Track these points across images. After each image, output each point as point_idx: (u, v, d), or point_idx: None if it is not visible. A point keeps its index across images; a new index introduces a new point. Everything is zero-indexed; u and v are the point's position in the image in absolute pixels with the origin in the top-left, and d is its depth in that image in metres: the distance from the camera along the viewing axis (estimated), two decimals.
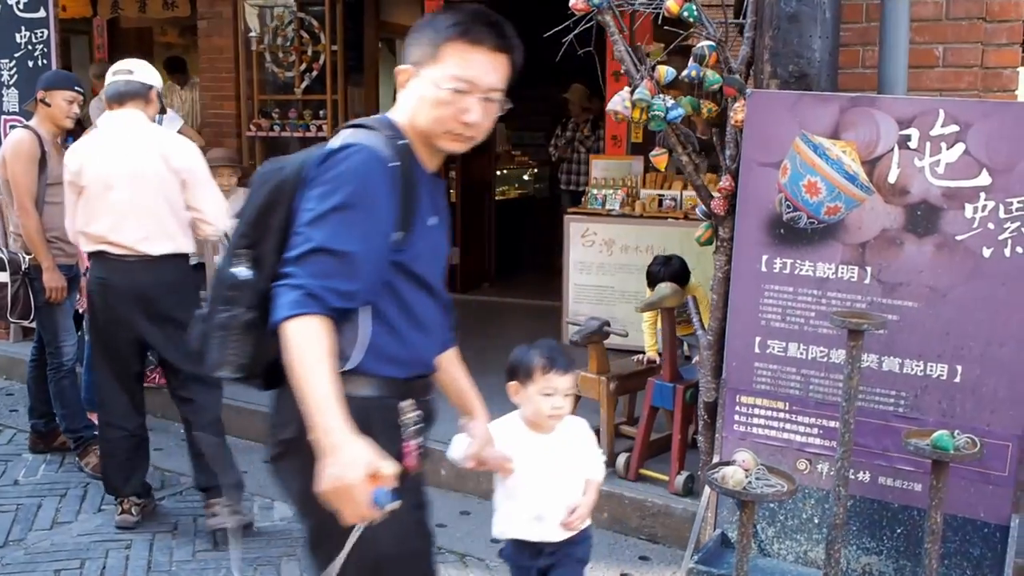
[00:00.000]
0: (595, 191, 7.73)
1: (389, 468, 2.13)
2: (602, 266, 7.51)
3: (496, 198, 11.01)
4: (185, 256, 4.76)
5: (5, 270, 5.26)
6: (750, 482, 3.73)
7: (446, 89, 2.29)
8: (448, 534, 4.83)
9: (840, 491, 3.64)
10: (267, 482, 5.34)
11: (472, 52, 2.30)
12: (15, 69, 7.38)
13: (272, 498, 5.20)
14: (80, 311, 5.78)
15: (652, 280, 5.42)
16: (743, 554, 3.78)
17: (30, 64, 7.40)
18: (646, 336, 5.62)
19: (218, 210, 4.67)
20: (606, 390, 5.11)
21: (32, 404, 5.76)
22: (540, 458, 3.31)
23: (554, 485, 3.34)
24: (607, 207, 7.59)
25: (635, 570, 4.52)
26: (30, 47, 7.44)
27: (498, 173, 11.59)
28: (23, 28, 7.43)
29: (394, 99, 2.48)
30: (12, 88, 7.35)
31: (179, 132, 7.78)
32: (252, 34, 10.04)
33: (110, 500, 5.05)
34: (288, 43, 9.97)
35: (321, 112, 9.89)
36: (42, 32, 7.50)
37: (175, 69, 10.67)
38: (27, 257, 5.32)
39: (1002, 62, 4.12)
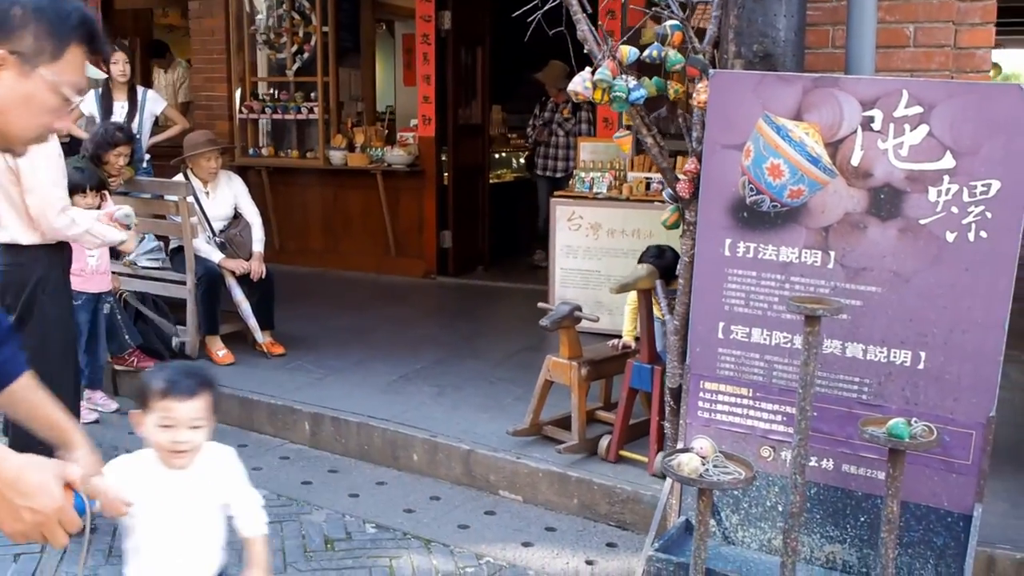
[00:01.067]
0: (582, 174, 7.66)
1: (74, 470, 1.88)
2: (588, 250, 7.44)
3: (491, 181, 10.93)
4: (24, 247, 4.56)
5: None
6: (707, 469, 3.68)
7: (62, 96, 1.98)
8: (415, 519, 4.80)
9: (797, 479, 3.58)
10: None
11: (85, 60, 2.02)
12: None
13: None
14: None
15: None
16: (701, 541, 3.73)
17: None
18: (626, 321, 5.54)
19: (40, 204, 4.46)
20: (577, 375, 5.05)
21: None
22: (173, 500, 2.70)
23: (190, 534, 2.74)
24: (594, 190, 7.52)
25: (601, 557, 4.48)
26: None
27: (495, 156, 11.54)
28: None
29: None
30: None
31: (163, 113, 7.79)
32: (259, 16, 9.98)
33: None
34: (280, 24, 9.91)
35: (312, 94, 9.83)
36: None
37: (157, 53, 10.62)
38: None
39: (975, 42, 4.03)
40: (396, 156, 9.46)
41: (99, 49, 2.02)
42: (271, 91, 10.19)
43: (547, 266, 7.83)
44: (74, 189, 5.63)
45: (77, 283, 5.66)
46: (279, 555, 4.40)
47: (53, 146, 4.43)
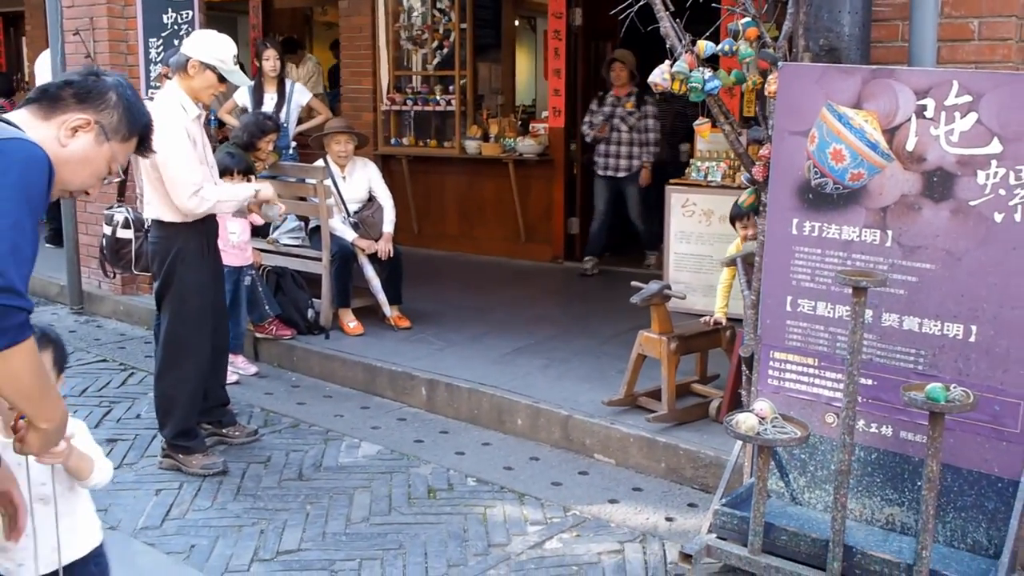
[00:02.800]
0: (698, 163, 7.96)
1: None
2: (701, 236, 7.75)
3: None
4: (166, 223, 5.15)
5: (130, 228, 5.90)
6: (765, 429, 4.02)
7: (110, 169, 2.57)
8: (513, 476, 5.24)
9: (845, 439, 3.88)
10: (357, 424, 5.86)
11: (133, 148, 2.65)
12: (161, 47, 8.06)
13: (359, 438, 5.70)
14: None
15: (733, 218, 5.76)
16: (760, 495, 4.07)
17: (175, 43, 8.06)
18: (718, 297, 5.85)
19: (173, 189, 5.06)
20: (667, 350, 5.40)
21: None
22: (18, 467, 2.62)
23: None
24: (708, 179, 7.82)
25: (680, 515, 4.83)
26: (176, 27, 8.13)
27: None
28: (169, 10, 8.12)
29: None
30: (158, 64, 8.02)
31: (308, 104, 8.42)
32: (402, 14, 10.53)
33: None
34: (423, 22, 10.47)
35: (451, 87, 10.36)
36: (187, 13, 8.18)
37: (289, 49, 11.23)
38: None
39: None
40: (527, 146, 9.91)
41: (147, 148, 2.66)
42: (412, 84, 10.76)
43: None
44: (224, 172, 6.28)
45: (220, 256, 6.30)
46: (385, 501, 4.90)
47: (180, 139, 4.96)
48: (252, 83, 8.40)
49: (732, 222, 5.80)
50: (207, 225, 5.26)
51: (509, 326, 7.47)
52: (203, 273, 5.21)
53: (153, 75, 8.02)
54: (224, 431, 5.59)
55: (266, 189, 5.45)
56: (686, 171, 8.19)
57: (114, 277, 6.92)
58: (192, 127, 5.06)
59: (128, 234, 5.92)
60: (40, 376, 2.25)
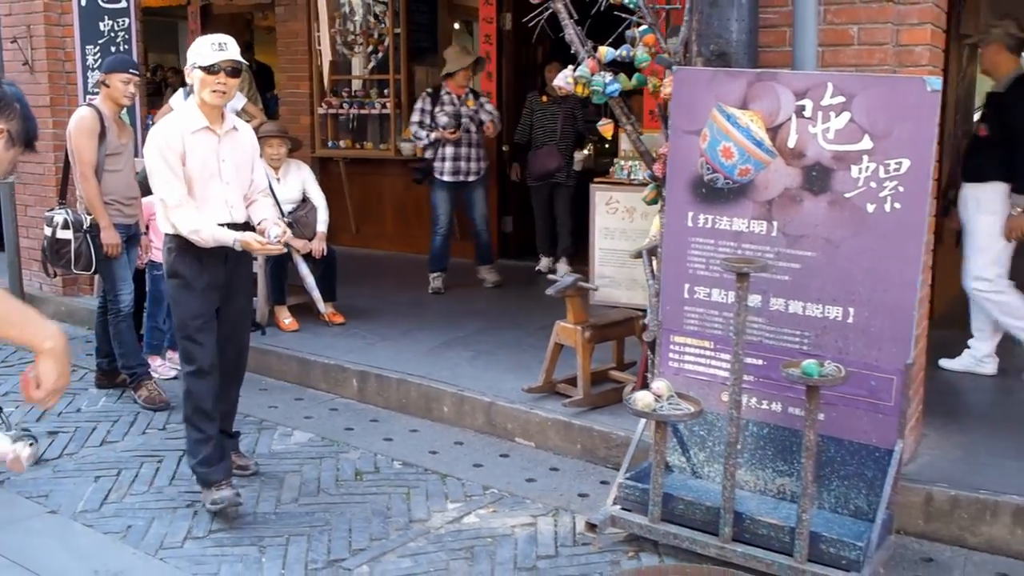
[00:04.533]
0: (621, 162, 8.30)
1: None
2: (624, 232, 8.09)
3: None
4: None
5: (68, 228, 6.13)
6: (661, 406, 4.35)
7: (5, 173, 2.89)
8: (437, 459, 5.54)
9: (733, 413, 4.22)
10: (291, 414, 6.13)
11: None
12: (99, 54, 8.27)
13: (292, 427, 5.97)
14: (141, 266, 6.65)
15: None
16: (658, 468, 4.41)
17: (112, 49, 8.30)
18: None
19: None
20: (582, 338, 5.73)
21: (98, 346, 6.68)
22: None
23: None
24: (631, 177, 8.16)
25: (593, 491, 5.14)
26: (112, 34, 8.34)
27: None
28: (106, 17, 8.34)
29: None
30: (96, 71, 8.23)
31: (243, 109, 8.66)
32: (337, 20, 10.76)
33: (155, 424, 5.99)
34: (357, 28, 10.73)
35: (386, 91, 10.64)
36: (124, 20, 8.40)
37: None
38: (88, 217, 6.16)
39: (914, 40, 4.56)
40: None
41: (32, 151, 2.89)
42: (348, 88, 11.03)
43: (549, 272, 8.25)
44: None
45: (159, 256, 6.55)
46: (315, 483, 5.19)
47: (151, 155, 4.73)
48: (187, 89, 8.61)
49: None
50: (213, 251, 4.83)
51: (441, 321, 7.77)
52: (193, 298, 4.82)
53: (91, 81, 8.22)
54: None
55: (248, 241, 4.74)
56: (610, 170, 8.51)
57: (55, 277, 7.13)
58: (190, 140, 4.75)
59: (67, 235, 6.13)
60: (10, 301, 2.48)
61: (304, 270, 7.58)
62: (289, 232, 5.03)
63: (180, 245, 4.80)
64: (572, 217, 9.48)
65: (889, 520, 4.37)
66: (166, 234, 4.88)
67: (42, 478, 5.23)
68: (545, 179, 9.45)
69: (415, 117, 8.80)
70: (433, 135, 8.66)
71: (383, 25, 10.64)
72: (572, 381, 5.91)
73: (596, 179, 8.51)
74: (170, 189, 4.72)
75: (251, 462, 5.38)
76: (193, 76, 4.77)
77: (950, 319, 7.75)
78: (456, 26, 13.54)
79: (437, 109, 8.72)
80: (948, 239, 8.18)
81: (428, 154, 8.79)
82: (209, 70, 4.71)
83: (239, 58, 4.79)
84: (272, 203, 5.49)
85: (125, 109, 6.75)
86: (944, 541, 4.58)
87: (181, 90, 8.62)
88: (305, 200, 7.80)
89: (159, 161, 4.72)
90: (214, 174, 4.84)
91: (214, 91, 4.74)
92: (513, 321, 7.76)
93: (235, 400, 5.30)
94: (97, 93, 8.04)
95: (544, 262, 9.76)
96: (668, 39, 4.77)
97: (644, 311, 6.13)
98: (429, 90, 8.96)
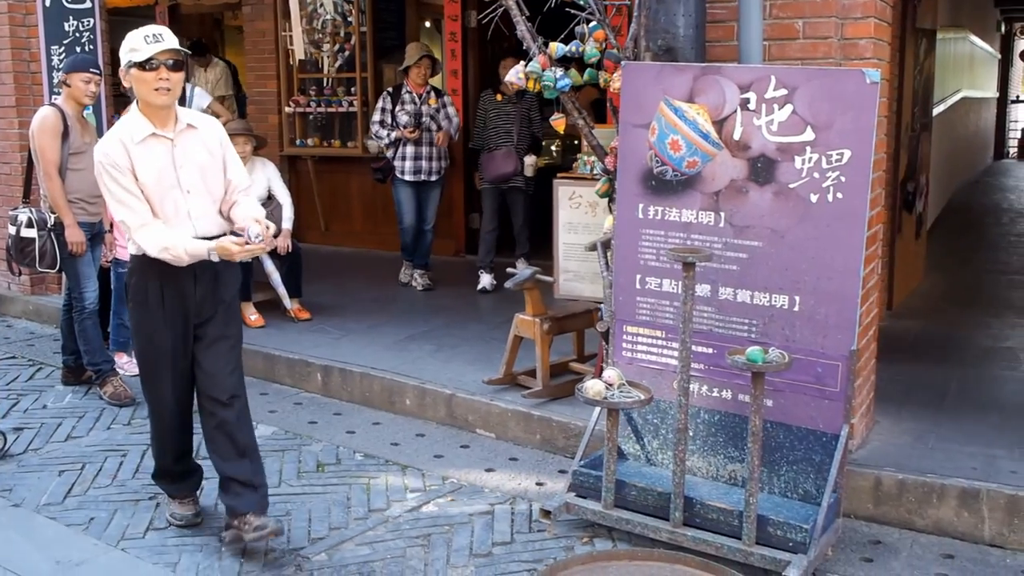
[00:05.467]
0: (584, 157, 8.36)
1: None
2: (587, 226, 8.15)
3: None
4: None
5: (32, 227, 6.18)
6: (612, 394, 4.43)
7: None
8: (399, 450, 5.62)
9: (682, 400, 4.31)
10: (255, 408, 6.18)
11: None
12: (64, 54, 8.30)
13: (256, 421, 6.02)
14: (106, 263, 6.70)
15: None
16: (610, 454, 4.49)
17: (77, 50, 8.32)
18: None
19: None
20: (540, 330, 5.82)
21: (64, 344, 6.72)
22: None
23: None
24: (594, 172, 8.23)
25: (550, 480, 5.22)
26: (77, 35, 8.37)
27: None
28: (71, 18, 8.37)
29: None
30: (61, 71, 8.26)
31: (208, 107, 8.71)
32: (304, 19, 10.81)
33: (120, 420, 6.05)
34: (324, 27, 10.79)
35: (353, 89, 10.70)
36: (88, 21, 8.43)
37: (198, 52, 11.44)
38: (52, 216, 6.20)
39: (858, 34, 4.66)
40: None
41: None
42: (316, 87, 11.08)
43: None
44: None
45: (123, 253, 6.61)
46: (276, 475, 5.25)
47: (102, 174, 4.21)
48: None
49: None
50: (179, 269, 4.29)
51: (406, 316, 7.85)
52: (156, 320, 4.36)
53: (56, 81, 8.25)
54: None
55: (224, 246, 4.17)
56: (573, 165, 8.59)
57: (20, 275, 7.17)
58: (137, 152, 4.16)
59: (32, 233, 6.18)
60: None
61: (269, 266, 7.65)
62: (272, 227, 4.33)
63: (140, 265, 4.31)
64: (529, 225, 9.15)
65: (837, 503, 4.47)
66: (131, 255, 4.38)
67: (6, 473, 5.28)
68: (500, 183, 8.88)
69: (376, 116, 8.78)
70: (394, 134, 8.65)
71: (350, 23, 10.69)
72: (532, 373, 5.99)
73: (559, 174, 8.58)
74: (127, 211, 4.18)
75: (279, 527, 4.48)
76: (130, 77, 4.19)
77: (909, 310, 7.90)
78: (427, 24, 13.68)
79: (398, 108, 8.68)
80: (907, 231, 8.32)
81: (389, 153, 8.76)
82: (146, 66, 4.12)
83: (178, 47, 4.20)
84: (256, 201, 4.91)
85: (90, 108, 6.80)
86: (892, 524, 4.68)
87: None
88: (271, 197, 7.85)
89: (108, 181, 4.17)
90: (172, 185, 4.24)
91: (157, 89, 4.13)
92: (477, 316, 7.85)
93: (246, 446, 4.54)
94: (59, 93, 8.13)
95: (486, 279, 8.87)
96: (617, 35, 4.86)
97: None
98: (390, 89, 8.94)
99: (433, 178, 8.85)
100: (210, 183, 4.37)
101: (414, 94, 8.70)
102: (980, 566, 4.31)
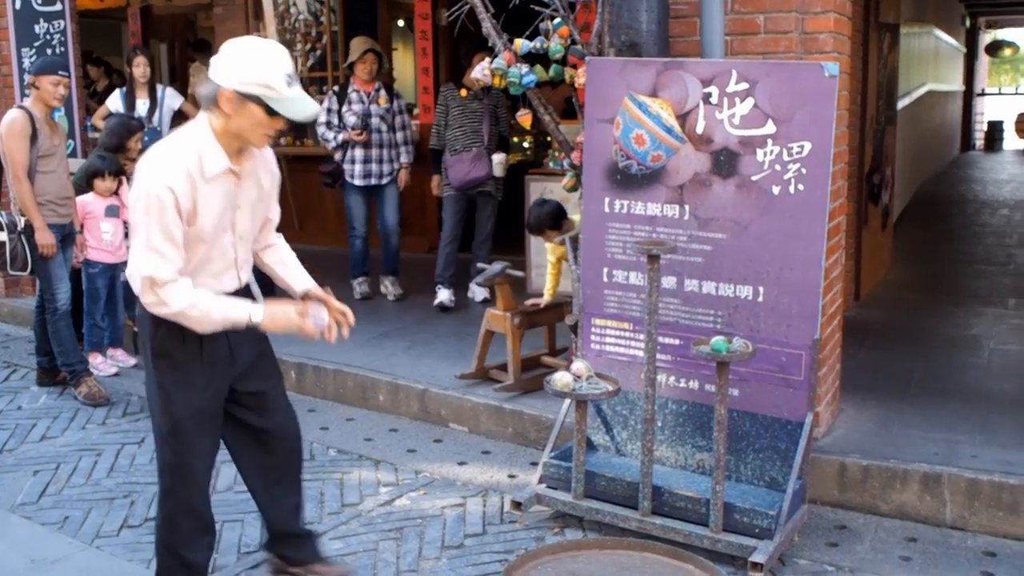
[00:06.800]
0: (555, 153, 8.45)
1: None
2: None
3: None
4: None
5: (3, 230, 6.19)
6: (580, 386, 4.50)
7: None
8: (372, 445, 5.67)
9: (648, 391, 4.38)
10: None
11: None
12: (35, 56, 8.31)
13: None
14: (77, 265, 6.72)
15: (531, 225, 6.16)
16: (579, 445, 4.56)
17: (49, 52, 8.34)
18: (546, 280, 6.26)
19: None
20: (511, 325, 5.88)
21: (38, 345, 6.74)
22: None
23: None
24: (565, 168, 8.29)
25: (522, 472, 5.28)
26: (48, 37, 8.38)
27: None
28: (41, 20, 8.38)
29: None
30: (30, 74, 8.26)
31: (181, 107, 8.73)
32: (275, 18, 10.82)
33: (94, 420, 6.07)
34: (294, 27, 10.82)
35: (324, 88, 10.72)
36: (59, 23, 8.44)
37: (200, 49, 11.45)
38: (22, 219, 6.22)
39: (818, 28, 4.73)
40: None
41: None
42: None
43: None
44: (95, 174, 6.63)
45: (94, 254, 6.65)
46: None
47: (153, 210, 3.28)
48: (124, 89, 8.68)
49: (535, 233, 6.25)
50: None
51: (379, 312, 7.90)
52: (190, 387, 3.61)
53: (25, 83, 8.26)
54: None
55: (291, 318, 3.77)
56: (544, 161, 8.67)
57: None
58: (206, 191, 3.35)
59: (2, 236, 6.19)
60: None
61: None
62: (349, 313, 3.88)
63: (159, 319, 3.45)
64: (493, 236, 8.47)
65: (802, 490, 4.55)
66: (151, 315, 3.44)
67: None
68: (469, 188, 8.08)
69: (321, 118, 8.12)
70: (341, 136, 8.09)
71: (321, 23, 10.73)
72: (504, 367, 6.05)
73: (531, 170, 8.66)
74: (161, 261, 3.29)
75: (345, 569, 4.16)
76: (237, 107, 3.27)
77: (876, 300, 8.01)
78: (399, 23, 13.74)
79: (345, 108, 8.11)
80: (874, 222, 8.43)
81: (338, 156, 8.23)
82: (271, 113, 3.28)
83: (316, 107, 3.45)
84: (293, 253, 4.17)
85: (62, 110, 6.82)
86: (857, 509, 4.77)
87: (118, 91, 8.69)
88: None
89: (151, 222, 3.26)
90: (226, 228, 3.49)
91: (267, 135, 3.38)
92: (451, 312, 7.90)
93: (293, 507, 4.02)
94: (28, 95, 8.14)
95: (444, 295, 8.13)
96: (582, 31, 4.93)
97: None
98: (335, 88, 8.43)
99: (384, 180, 8.25)
100: (256, 222, 3.69)
101: (361, 92, 8.12)
102: (942, 548, 4.40)
